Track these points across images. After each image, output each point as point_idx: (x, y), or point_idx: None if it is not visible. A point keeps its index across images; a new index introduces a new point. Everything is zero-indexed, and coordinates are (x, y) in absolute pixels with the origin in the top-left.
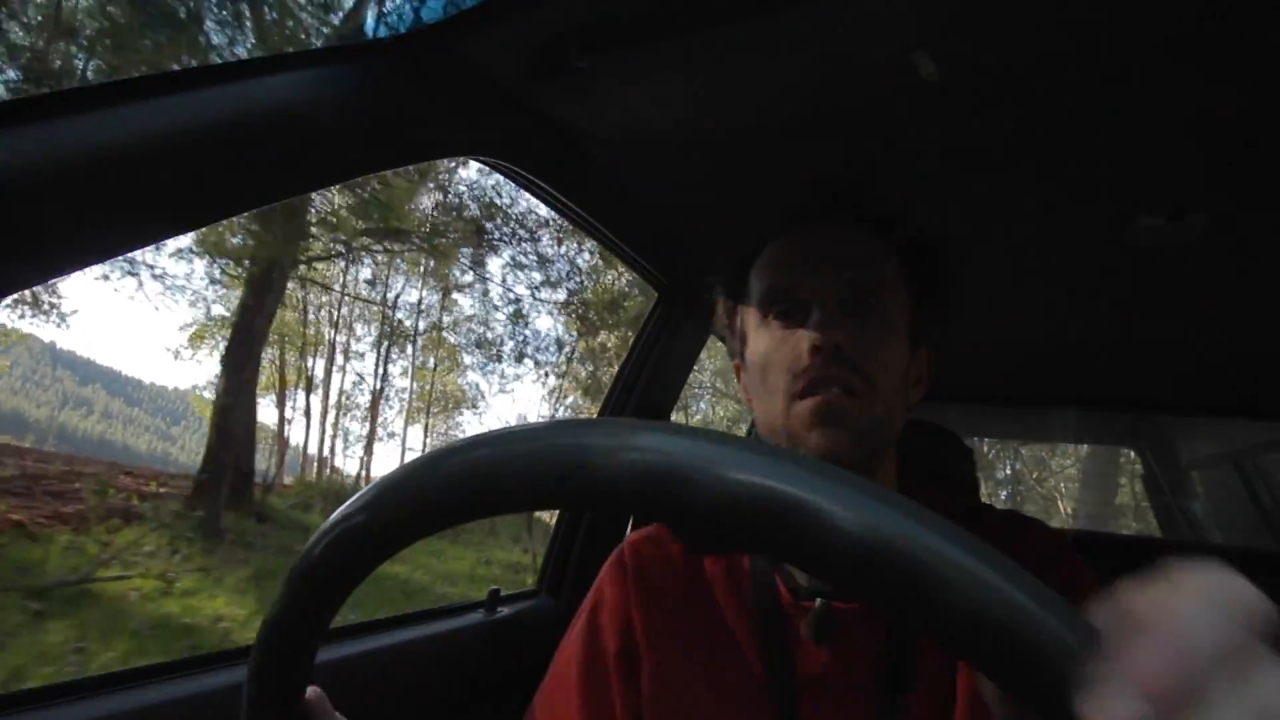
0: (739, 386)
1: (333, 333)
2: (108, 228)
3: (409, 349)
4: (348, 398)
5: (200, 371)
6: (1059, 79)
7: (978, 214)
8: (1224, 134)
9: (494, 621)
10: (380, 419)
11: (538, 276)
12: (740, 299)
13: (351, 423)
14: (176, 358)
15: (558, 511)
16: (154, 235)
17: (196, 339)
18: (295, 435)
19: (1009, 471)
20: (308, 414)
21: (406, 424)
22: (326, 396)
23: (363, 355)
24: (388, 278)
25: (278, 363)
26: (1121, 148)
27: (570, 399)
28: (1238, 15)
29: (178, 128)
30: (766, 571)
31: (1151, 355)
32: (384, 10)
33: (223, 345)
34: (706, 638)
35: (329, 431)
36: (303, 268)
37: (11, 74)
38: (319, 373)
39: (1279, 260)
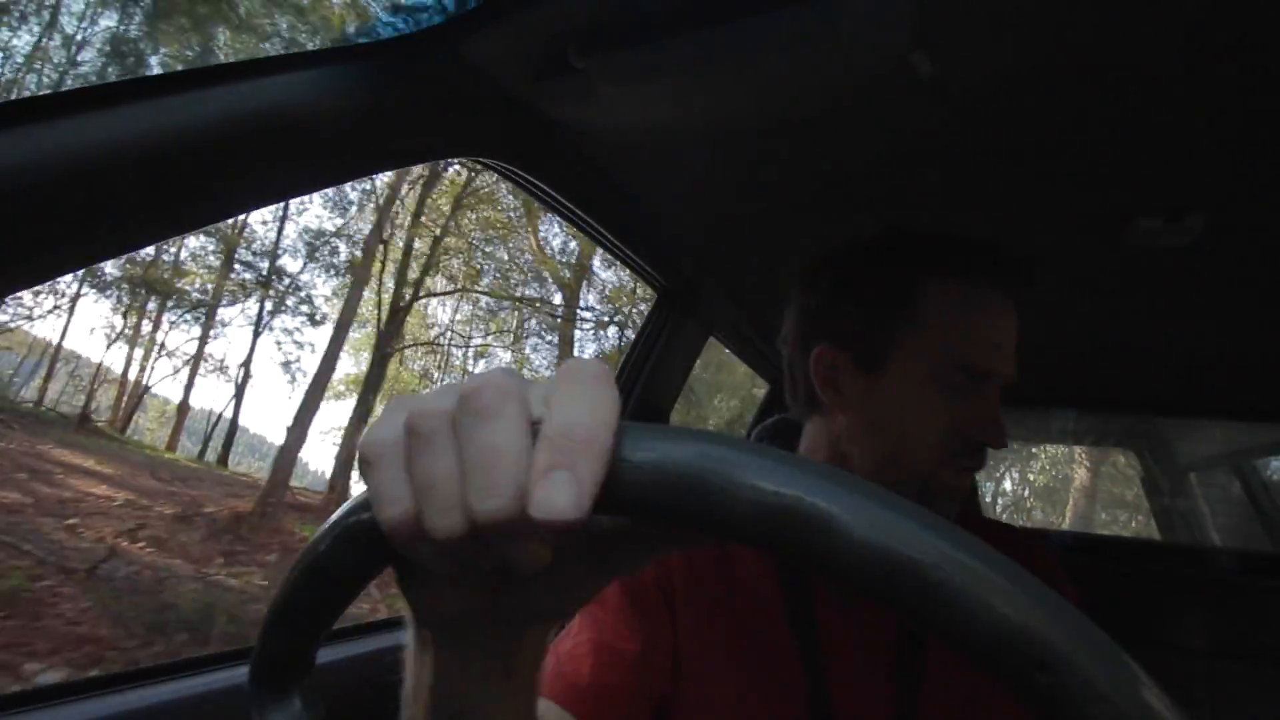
0: (823, 383)
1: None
2: (108, 228)
3: None
4: None
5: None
6: (1058, 79)
7: (976, 214)
8: (1224, 134)
9: None
10: None
11: None
12: (888, 337)
13: None
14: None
15: None
16: (154, 235)
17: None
18: None
19: None
20: None
21: None
22: None
23: None
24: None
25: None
26: (1121, 148)
27: None
28: (1237, 15)
29: (179, 128)
30: None
31: (1151, 356)
32: (385, 12)
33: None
34: (736, 604)
35: None
36: None
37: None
38: None
39: (1279, 260)
